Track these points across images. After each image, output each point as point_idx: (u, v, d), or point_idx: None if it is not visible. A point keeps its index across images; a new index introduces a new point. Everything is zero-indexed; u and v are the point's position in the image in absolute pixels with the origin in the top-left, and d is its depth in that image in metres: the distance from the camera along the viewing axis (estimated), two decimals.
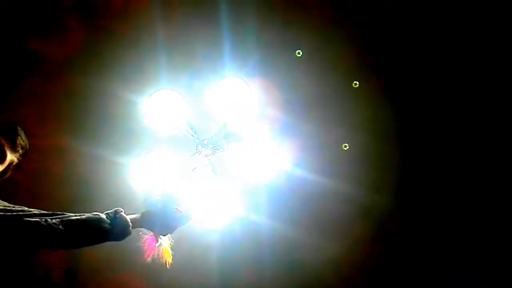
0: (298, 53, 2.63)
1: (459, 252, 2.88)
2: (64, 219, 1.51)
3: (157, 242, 1.76)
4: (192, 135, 2.53)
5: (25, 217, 1.49)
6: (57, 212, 1.55)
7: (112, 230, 1.60)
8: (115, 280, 2.79)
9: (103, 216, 1.60)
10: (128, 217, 1.65)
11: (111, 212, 1.63)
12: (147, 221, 1.71)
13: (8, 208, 1.54)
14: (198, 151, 2.55)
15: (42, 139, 2.60)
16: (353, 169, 2.85)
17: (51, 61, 2.63)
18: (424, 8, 2.61)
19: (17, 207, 1.56)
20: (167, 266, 1.76)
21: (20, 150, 1.77)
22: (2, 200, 1.63)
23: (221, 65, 2.62)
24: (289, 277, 2.76)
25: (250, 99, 2.47)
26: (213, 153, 2.55)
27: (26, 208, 1.55)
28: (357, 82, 2.64)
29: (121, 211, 1.64)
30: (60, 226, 1.50)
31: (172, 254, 1.78)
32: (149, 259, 1.75)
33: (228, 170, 2.62)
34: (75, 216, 1.55)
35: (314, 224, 2.77)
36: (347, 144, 2.80)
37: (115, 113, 2.66)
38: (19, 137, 1.77)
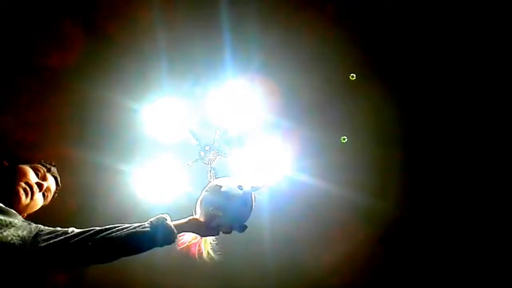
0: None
1: (461, 256, 2.88)
2: (107, 236, 1.51)
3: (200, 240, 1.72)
4: (194, 142, 2.53)
5: (71, 240, 1.51)
6: (99, 229, 1.54)
7: (155, 240, 1.57)
8: None
9: (146, 226, 1.56)
10: (173, 224, 1.61)
11: (154, 220, 1.60)
12: (193, 227, 1.66)
13: (53, 232, 1.56)
14: (200, 157, 2.55)
15: (43, 149, 2.61)
16: (354, 173, 2.84)
17: (51, 69, 2.63)
18: (427, 9, 2.60)
19: (60, 230, 1.57)
20: (205, 259, 1.73)
21: (56, 194, 1.82)
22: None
23: (223, 70, 2.62)
24: (291, 281, 2.75)
25: (251, 104, 2.47)
26: (215, 159, 2.55)
27: (69, 230, 1.57)
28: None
29: (165, 219, 1.60)
30: (106, 245, 1.51)
31: (211, 249, 1.73)
32: (187, 254, 1.72)
33: (230, 176, 2.62)
34: (118, 232, 1.53)
35: (316, 228, 2.76)
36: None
37: (117, 121, 2.66)
38: (59, 179, 1.82)
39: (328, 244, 2.84)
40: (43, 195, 1.74)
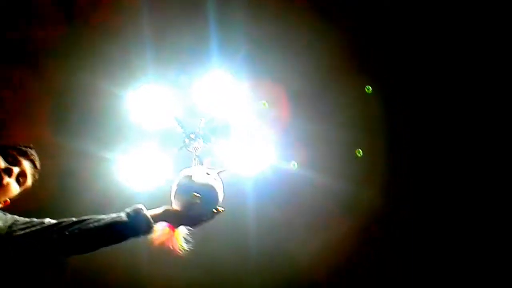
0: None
1: (445, 243, 2.92)
2: (83, 227, 1.52)
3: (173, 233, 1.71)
4: (179, 129, 2.52)
5: (47, 230, 1.51)
6: (76, 220, 1.54)
7: (132, 230, 1.57)
8: None
9: (123, 217, 1.56)
10: (149, 214, 1.61)
11: (131, 211, 1.59)
12: (169, 216, 1.65)
13: (29, 223, 1.54)
14: (185, 145, 2.55)
15: (25, 134, 2.57)
16: (340, 163, 2.86)
17: (33, 54, 2.59)
18: (415, 6, 2.62)
19: (36, 221, 1.56)
20: (178, 252, 1.72)
21: (37, 176, 1.75)
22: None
23: (208, 59, 2.61)
24: (274, 269, 2.77)
25: (237, 93, 2.47)
26: (200, 147, 2.54)
27: (45, 220, 1.56)
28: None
29: (141, 209, 1.60)
30: (83, 235, 1.51)
31: (183, 242, 1.73)
32: (159, 246, 1.71)
33: (215, 164, 2.62)
34: (95, 222, 1.53)
35: (300, 217, 2.78)
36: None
37: (101, 108, 2.65)
38: (37, 160, 1.75)
39: (311, 232, 2.86)
40: (18, 180, 1.68)
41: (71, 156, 2.69)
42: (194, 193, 1.64)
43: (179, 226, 1.68)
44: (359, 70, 2.79)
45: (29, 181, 1.71)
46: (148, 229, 1.59)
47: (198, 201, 1.63)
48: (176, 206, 1.69)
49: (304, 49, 2.75)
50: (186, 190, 1.67)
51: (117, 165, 2.55)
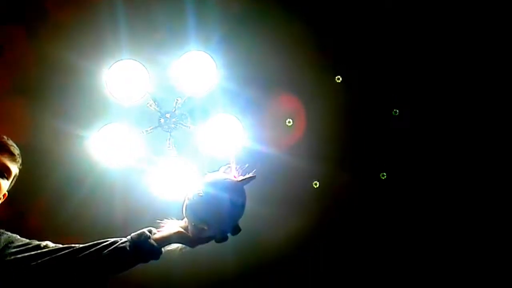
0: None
1: (417, 224, 3.01)
2: (84, 258, 1.43)
3: None
4: (155, 109, 2.53)
5: (43, 258, 1.44)
6: (79, 248, 1.45)
7: (137, 259, 1.46)
8: None
9: (127, 246, 1.45)
10: (158, 237, 1.48)
11: (135, 236, 1.48)
12: (181, 239, 1.51)
13: (22, 245, 1.50)
14: (160, 124, 2.57)
15: None
16: (315, 145, 2.92)
17: (1, 27, 2.54)
18: None
19: (31, 244, 1.51)
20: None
21: (19, 159, 1.70)
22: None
23: (185, 38, 2.61)
24: (248, 251, 2.83)
25: (213, 73, 2.49)
26: (175, 127, 2.56)
27: (39, 244, 1.51)
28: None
29: (147, 237, 1.47)
30: (81, 267, 1.43)
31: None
32: None
33: (189, 145, 2.65)
34: (96, 254, 1.43)
35: (274, 198, 2.83)
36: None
37: (74, 84, 2.63)
38: (12, 146, 1.69)
39: (285, 215, 2.92)
40: (3, 176, 1.63)
41: (43, 132, 2.67)
42: (195, 221, 1.45)
43: (192, 247, 1.53)
44: (337, 53, 2.83)
45: (14, 170, 1.67)
46: (156, 256, 1.48)
47: (205, 227, 1.43)
48: (186, 224, 1.52)
49: (280, 29, 2.77)
50: (191, 214, 1.46)
51: (90, 142, 2.55)
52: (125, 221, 2.82)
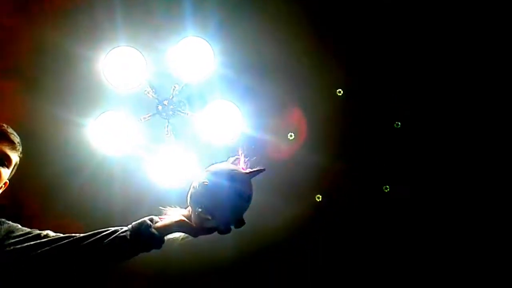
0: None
1: (403, 206, 3.04)
2: (83, 248, 1.41)
3: None
4: (152, 96, 2.52)
5: (42, 248, 1.42)
6: (78, 238, 1.44)
7: (137, 248, 1.43)
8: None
9: (127, 235, 1.42)
10: (159, 226, 1.44)
11: (136, 225, 1.45)
12: (183, 228, 1.46)
13: (22, 234, 1.49)
14: (158, 111, 2.56)
15: None
16: (311, 133, 2.92)
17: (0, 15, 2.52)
18: None
19: (31, 233, 1.50)
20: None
21: (19, 147, 1.68)
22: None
23: (182, 24, 2.58)
24: (246, 238, 2.84)
25: (211, 60, 2.48)
26: (173, 114, 2.56)
27: (40, 233, 1.49)
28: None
29: (148, 226, 1.43)
30: (81, 257, 1.42)
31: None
32: None
33: (187, 132, 2.64)
34: (96, 243, 1.41)
35: (272, 187, 2.84)
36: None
37: (72, 71, 2.61)
38: (12, 134, 1.67)
39: (283, 202, 2.93)
40: (3, 165, 1.62)
41: (40, 119, 2.66)
42: (199, 210, 1.40)
43: (195, 237, 1.48)
44: (331, 38, 2.82)
45: (14, 159, 1.66)
46: (157, 245, 1.45)
47: (209, 217, 1.38)
48: (190, 212, 1.47)
49: (279, 17, 2.75)
50: (195, 202, 1.42)
51: (88, 129, 2.55)
52: (124, 208, 2.83)
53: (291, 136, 2.84)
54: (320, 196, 2.96)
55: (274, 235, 2.99)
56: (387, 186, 2.92)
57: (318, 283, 3.21)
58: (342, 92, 2.78)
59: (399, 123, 2.85)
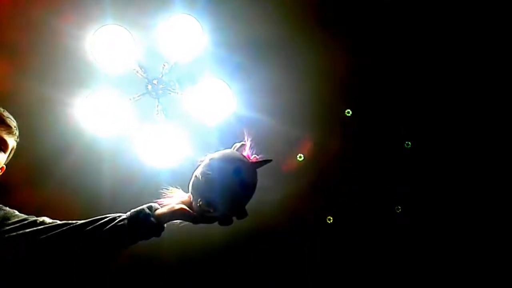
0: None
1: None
2: (82, 235, 1.38)
3: None
4: (141, 75, 2.48)
5: (40, 235, 1.39)
6: (77, 225, 1.40)
7: (136, 236, 1.40)
8: None
9: (125, 223, 1.38)
10: (159, 214, 1.40)
11: (134, 213, 1.41)
12: (184, 216, 1.41)
13: (18, 221, 1.46)
14: (147, 91, 2.52)
15: None
16: (302, 112, 2.90)
17: None
18: None
19: (27, 219, 1.46)
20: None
21: (16, 132, 1.66)
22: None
23: (170, 1, 2.53)
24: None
25: (200, 38, 2.43)
26: (163, 94, 2.52)
27: (36, 220, 1.46)
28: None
29: (148, 214, 1.39)
30: (78, 245, 1.38)
31: None
32: None
33: (178, 111, 2.61)
34: (96, 231, 1.38)
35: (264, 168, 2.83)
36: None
37: (60, 50, 2.56)
38: (8, 118, 1.65)
39: (273, 180, 2.92)
40: (0, 150, 1.60)
41: (28, 98, 2.62)
42: (200, 201, 1.34)
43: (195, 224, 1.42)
44: (328, 22, 2.78)
45: (11, 143, 1.64)
46: (156, 233, 1.41)
47: (211, 210, 1.34)
48: (191, 200, 1.41)
49: None
50: (197, 192, 1.36)
51: (77, 109, 2.51)
52: (114, 189, 2.81)
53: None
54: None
55: (268, 217, 3.00)
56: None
57: (313, 266, 3.24)
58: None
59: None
